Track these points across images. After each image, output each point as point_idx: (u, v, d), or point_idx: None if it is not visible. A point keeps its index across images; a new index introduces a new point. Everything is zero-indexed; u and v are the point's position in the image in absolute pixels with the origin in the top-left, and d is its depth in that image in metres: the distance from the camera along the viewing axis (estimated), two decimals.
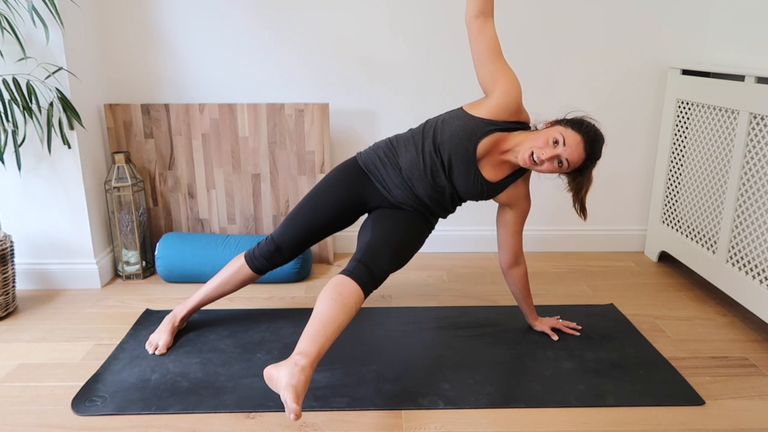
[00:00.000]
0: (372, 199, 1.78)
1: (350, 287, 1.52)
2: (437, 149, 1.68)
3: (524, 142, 1.64)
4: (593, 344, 1.86)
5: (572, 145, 1.59)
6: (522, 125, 1.69)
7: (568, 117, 1.68)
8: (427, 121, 1.75)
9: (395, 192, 1.75)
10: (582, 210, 1.73)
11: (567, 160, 1.60)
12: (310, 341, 1.41)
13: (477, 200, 1.78)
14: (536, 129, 1.71)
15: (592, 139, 1.62)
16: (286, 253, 1.81)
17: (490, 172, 1.71)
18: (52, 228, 2.23)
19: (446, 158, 1.68)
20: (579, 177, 1.69)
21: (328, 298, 1.49)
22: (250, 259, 1.83)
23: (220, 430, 1.47)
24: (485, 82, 1.66)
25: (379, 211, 1.77)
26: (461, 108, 1.71)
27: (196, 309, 1.91)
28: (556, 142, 1.59)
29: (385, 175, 1.75)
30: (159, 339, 1.82)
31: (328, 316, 1.45)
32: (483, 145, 1.65)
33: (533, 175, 2.58)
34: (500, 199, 1.78)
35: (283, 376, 1.33)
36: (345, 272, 1.56)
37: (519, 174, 1.76)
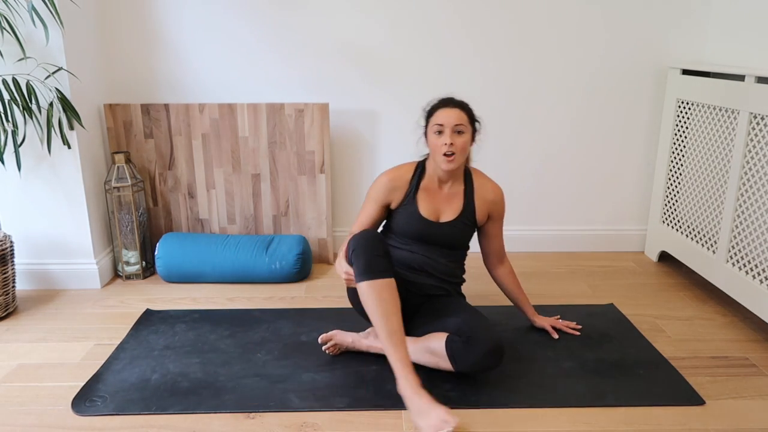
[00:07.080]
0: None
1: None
2: (411, 251, 1.76)
3: (432, 158, 1.73)
4: (593, 344, 1.86)
5: (445, 118, 1.67)
6: (420, 163, 1.80)
7: (425, 112, 1.77)
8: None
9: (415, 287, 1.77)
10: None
11: (455, 125, 1.67)
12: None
13: (470, 236, 1.80)
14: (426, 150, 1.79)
15: (449, 98, 1.72)
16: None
17: (448, 211, 1.77)
18: (52, 228, 2.23)
19: (418, 245, 1.76)
20: (476, 125, 1.76)
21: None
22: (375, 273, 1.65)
23: (220, 430, 1.47)
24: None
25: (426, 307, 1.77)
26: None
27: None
28: (440, 132, 1.68)
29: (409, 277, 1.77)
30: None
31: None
32: (422, 207, 1.74)
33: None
34: (481, 217, 1.80)
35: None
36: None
37: (469, 182, 1.79)
